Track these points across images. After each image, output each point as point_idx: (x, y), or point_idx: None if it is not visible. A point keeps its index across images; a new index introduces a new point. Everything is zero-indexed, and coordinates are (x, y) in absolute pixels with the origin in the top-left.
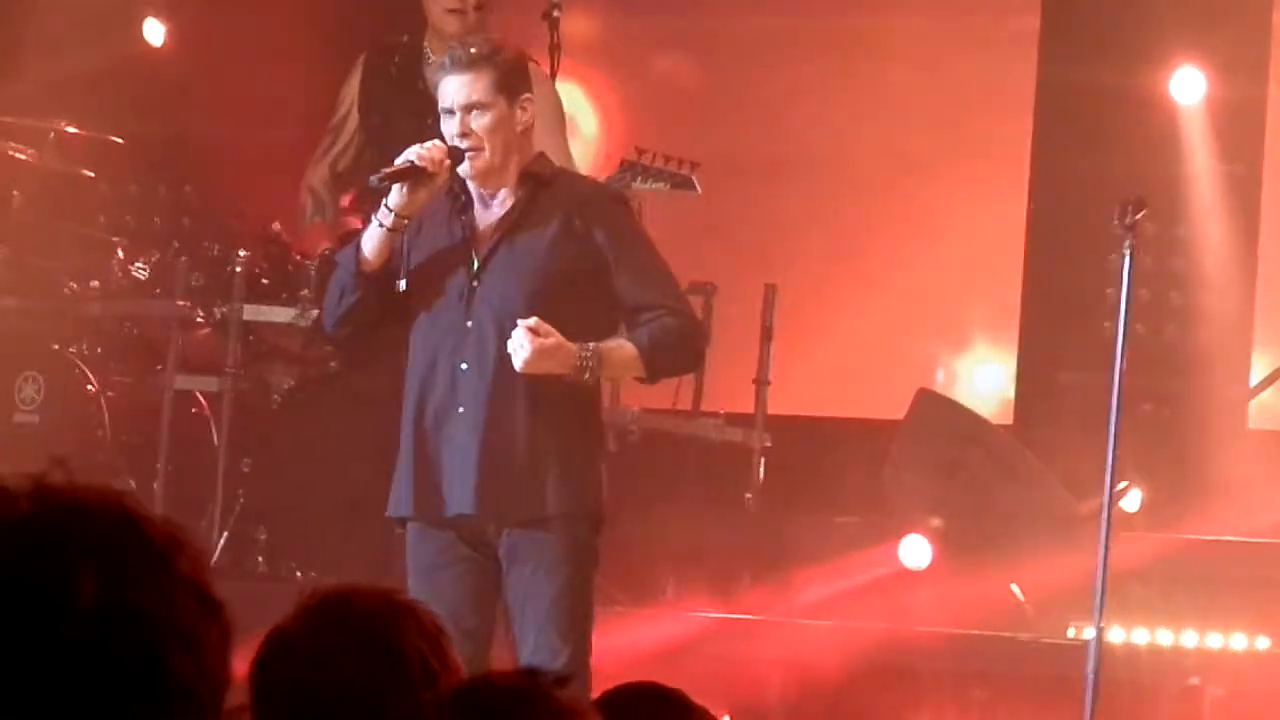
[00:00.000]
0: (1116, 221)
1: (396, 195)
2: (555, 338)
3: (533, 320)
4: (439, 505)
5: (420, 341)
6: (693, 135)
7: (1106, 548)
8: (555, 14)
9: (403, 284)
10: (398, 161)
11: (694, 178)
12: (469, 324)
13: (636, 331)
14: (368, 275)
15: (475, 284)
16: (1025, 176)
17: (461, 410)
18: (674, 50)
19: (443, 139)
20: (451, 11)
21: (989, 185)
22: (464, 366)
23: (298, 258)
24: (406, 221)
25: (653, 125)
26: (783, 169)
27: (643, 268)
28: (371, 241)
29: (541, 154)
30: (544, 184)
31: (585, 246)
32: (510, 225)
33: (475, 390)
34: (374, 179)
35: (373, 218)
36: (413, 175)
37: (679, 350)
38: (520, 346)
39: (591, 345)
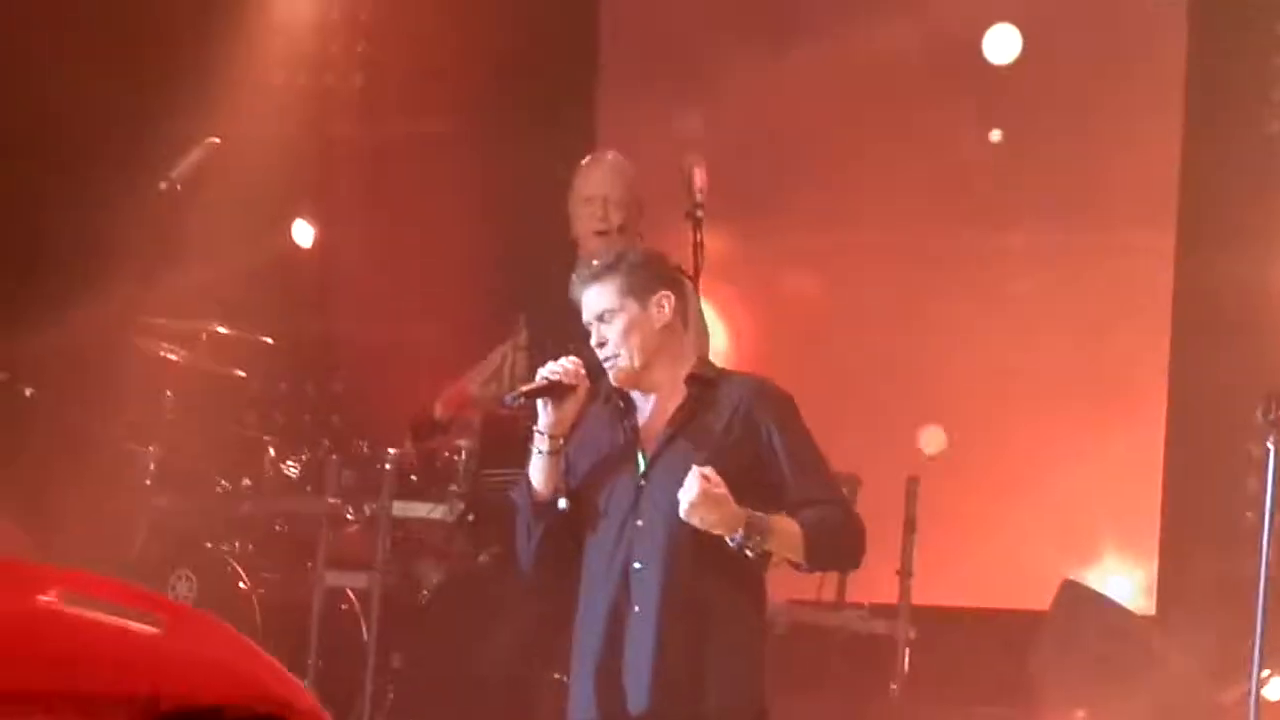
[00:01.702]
0: (1260, 416)
1: (544, 416)
2: (725, 489)
3: (708, 468)
4: (620, 706)
5: (594, 544)
6: (820, 340)
7: None
8: (698, 214)
9: (563, 503)
10: (536, 380)
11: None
12: (639, 523)
13: (801, 514)
14: (545, 505)
15: (644, 483)
16: (1165, 369)
17: (638, 610)
18: (800, 265)
19: None
20: (598, 234)
21: (1130, 371)
22: (638, 566)
23: (446, 455)
24: (562, 441)
25: (781, 336)
26: (920, 372)
27: (808, 464)
28: (537, 471)
29: (703, 356)
30: (709, 384)
31: (753, 440)
32: (678, 427)
33: (650, 589)
34: (509, 397)
35: (530, 448)
36: (550, 391)
37: (841, 543)
38: (689, 490)
39: (759, 513)
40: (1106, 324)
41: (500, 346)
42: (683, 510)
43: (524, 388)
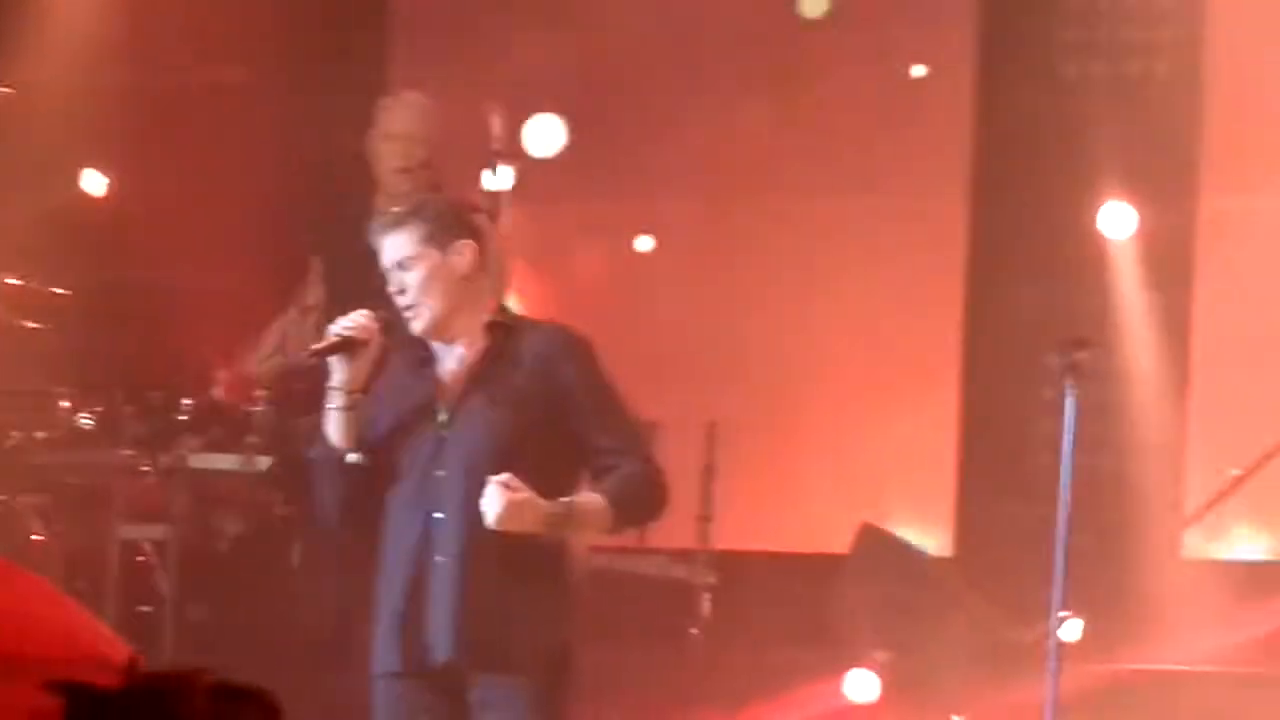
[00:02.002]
0: (1058, 359)
1: (338, 372)
2: (527, 493)
3: (505, 476)
4: (423, 656)
5: (396, 495)
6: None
7: (1056, 677)
8: (495, 161)
9: (353, 457)
10: (327, 336)
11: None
12: (440, 473)
13: (603, 481)
14: (343, 460)
15: (444, 434)
16: (960, 312)
17: (440, 560)
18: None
19: None
20: (397, 169)
21: (924, 321)
22: (439, 516)
23: (245, 407)
24: (357, 394)
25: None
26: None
27: (609, 412)
28: (334, 426)
29: (503, 304)
30: (509, 332)
31: (553, 392)
32: (477, 375)
33: (452, 539)
34: (303, 354)
35: (326, 406)
36: (344, 347)
37: (645, 501)
38: (493, 503)
39: (563, 501)
40: (901, 276)
41: (278, 320)
42: (490, 522)
43: (315, 345)
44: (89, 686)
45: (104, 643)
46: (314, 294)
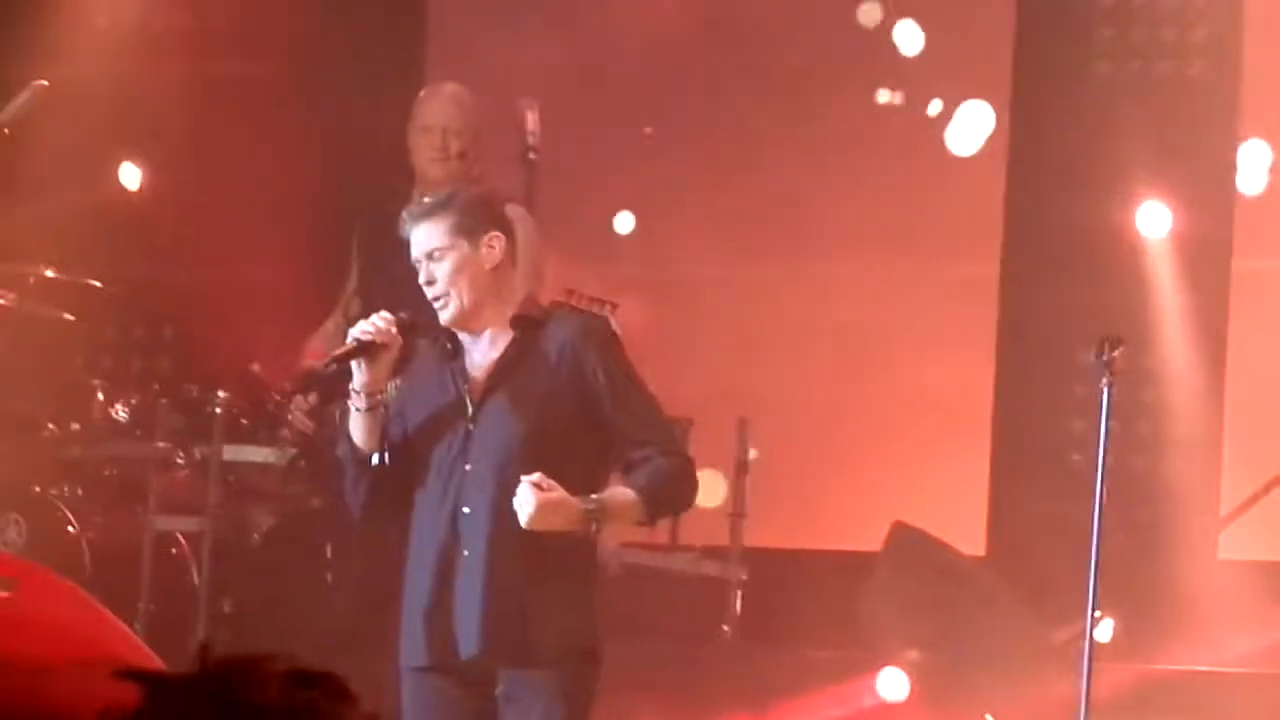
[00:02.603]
0: (1094, 358)
1: (359, 375)
2: (559, 492)
3: (536, 475)
4: (451, 649)
5: (424, 489)
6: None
7: (1090, 677)
8: (531, 156)
9: (376, 458)
10: (347, 342)
11: (611, 318)
12: (468, 467)
13: (633, 474)
14: (368, 460)
15: (471, 428)
16: (995, 309)
17: (467, 554)
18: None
19: None
20: (434, 160)
21: (958, 318)
22: (466, 510)
23: (277, 398)
24: (380, 395)
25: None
26: (762, 306)
27: (636, 404)
28: (357, 428)
29: (530, 295)
30: (535, 325)
31: (580, 384)
32: (504, 369)
33: (479, 533)
34: (322, 364)
35: (349, 404)
36: (364, 352)
37: (676, 492)
38: (525, 502)
39: (594, 498)
40: (935, 270)
41: (333, 314)
42: (523, 522)
43: (335, 353)
44: (163, 674)
45: (130, 649)
46: (355, 305)
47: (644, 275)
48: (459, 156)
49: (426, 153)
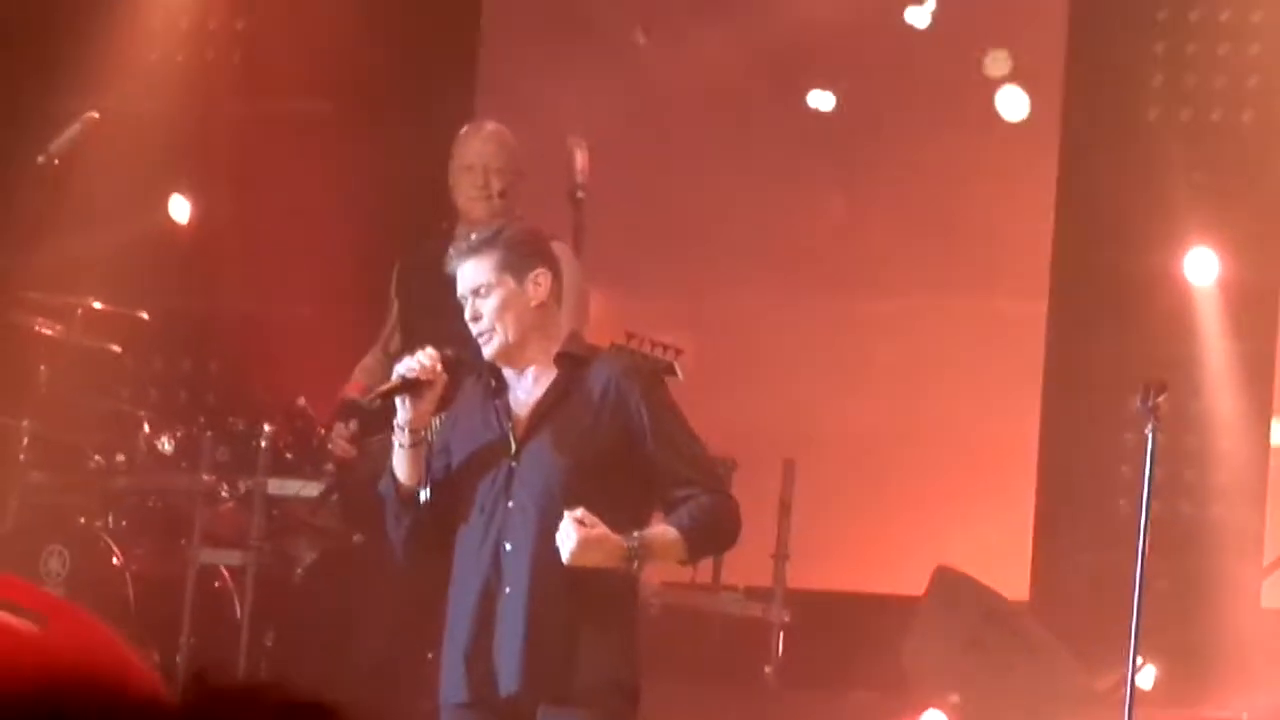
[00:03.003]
0: (1139, 403)
1: (403, 412)
2: (601, 528)
3: (579, 511)
4: (491, 687)
5: (466, 525)
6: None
7: None
8: (579, 195)
9: (424, 494)
10: (392, 378)
11: (676, 364)
12: (510, 504)
13: (676, 513)
14: (411, 496)
15: (514, 465)
16: (1041, 355)
17: (509, 591)
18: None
19: None
20: (475, 199)
21: (1004, 363)
22: (509, 547)
23: (322, 432)
24: (423, 432)
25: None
26: (809, 344)
27: (679, 442)
28: (400, 464)
29: (575, 333)
30: (580, 363)
31: (623, 422)
32: (548, 406)
33: (521, 570)
34: (366, 400)
35: (392, 440)
36: (409, 388)
37: (718, 531)
38: (567, 538)
39: (636, 535)
40: (981, 317)
41: (373, 349)
42: (565, 558)
43: (380, 388)
44: (148, 702)
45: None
46: (395, 340)
47: (690, 313)
48: (500, 195)
49: (468, 191)
